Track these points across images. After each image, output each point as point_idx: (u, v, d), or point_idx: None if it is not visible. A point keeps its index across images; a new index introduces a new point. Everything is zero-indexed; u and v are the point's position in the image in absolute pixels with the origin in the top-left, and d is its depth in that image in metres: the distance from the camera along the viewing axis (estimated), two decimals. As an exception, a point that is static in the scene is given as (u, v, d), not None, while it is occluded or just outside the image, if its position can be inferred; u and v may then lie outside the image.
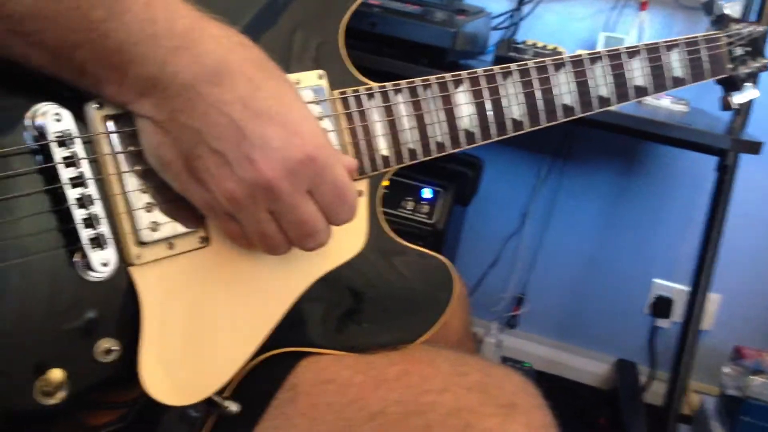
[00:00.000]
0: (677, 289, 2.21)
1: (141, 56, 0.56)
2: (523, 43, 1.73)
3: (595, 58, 0.91)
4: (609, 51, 0.92)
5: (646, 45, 0.94)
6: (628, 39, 1.89)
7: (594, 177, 2.19)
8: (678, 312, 2.19)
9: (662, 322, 2.25)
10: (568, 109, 0.90)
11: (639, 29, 1.96)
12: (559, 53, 1.72)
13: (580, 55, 0.91)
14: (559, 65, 0.89)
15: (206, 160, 0.59)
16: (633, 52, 0.93)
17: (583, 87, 0.91)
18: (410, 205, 1.76)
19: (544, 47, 1.72)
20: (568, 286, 2.32)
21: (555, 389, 2.43)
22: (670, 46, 0.96)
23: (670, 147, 1.99)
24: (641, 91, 0.95)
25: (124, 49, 0.55)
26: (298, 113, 0.62)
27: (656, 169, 2.14)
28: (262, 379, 0.74)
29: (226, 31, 0.60)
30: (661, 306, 2.23)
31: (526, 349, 2.39)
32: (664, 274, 2.22)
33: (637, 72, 0.94)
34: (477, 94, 0.84)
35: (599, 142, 2.15)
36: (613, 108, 0.94)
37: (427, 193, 1.77)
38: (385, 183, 0.82)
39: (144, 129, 0.61)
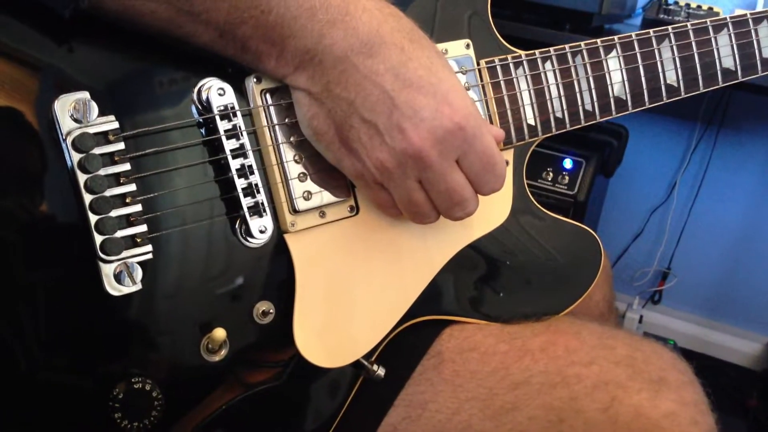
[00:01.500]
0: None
1: (299, 29, 0.59)
2: (675, 3, 1.65)
3: (760, 18, 0.86)
4: None
5: None
6: (793, -4, 1.75)
7: (750, 146, 2.06)
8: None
9: (822, 301, 2.11)
10: (729, 73, 0.86)
11: (806, -15, 1.81)
12: (716, 14, 1.62)
13: (744, 15, 0.86)
14: (720, 26, 0.85)
15: (358, 130, 0.61)
16: None
17: (746, 49, 0.86)
18: (551, 176, 1.73)
19: (698, 7, 1.62)
20: (718, 260, 2.20)
21: (701, 368, 2.33)
22: None
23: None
24: None
25: (284, 24, 0.58)
26: (448, 83, 0.63)
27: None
28: (407, 345, 0.76)
29: (378, 3, 0.62)
30: (821, 283, 2.08)
31: (671, 326, 2.30)
32: (826, 249, 2.08)
33: None
34: (629, 60, 0.81)
35: (757, 108, 2.01)
36: (775, 70, 0.89)
37: (568, 163, 1.73)
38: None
39: (300, 101, 0.64)
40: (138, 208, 0.59)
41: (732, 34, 0.86)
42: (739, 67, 0.87)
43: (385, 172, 0.63)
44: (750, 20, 0.87)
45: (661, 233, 2.21)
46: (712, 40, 0.85)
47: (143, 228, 0.59)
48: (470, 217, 0.71)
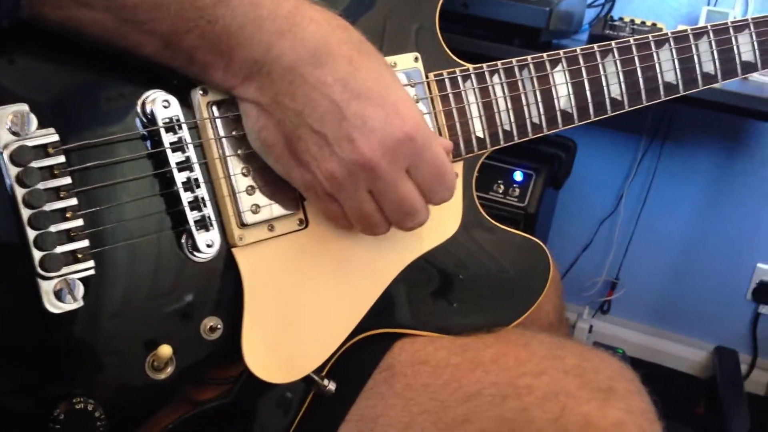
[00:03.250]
0: (783, 274, 2.11)
1: (246, 40, 0.58)
2: (620, 19, 1.68)
3: (700, 33, 0.88)
4: (714, 26, 0.89)
5: (754, 19, 0.90)
6: (732, 13, 1.80)
7: (694, 158, 2.11)
8: (783, 298, 2.10)
9: (766, 309, 2.16)
10: (670, 87, 0.88)
11: (744, 2, 1.87)
12: (659, 29, 1.66)
13: (684, 30, 0.88)
14: (661, 41, 0.86)
15: (307, 142, 0.61)
16: (741, 26, 0.89)
17: (687, 63, 0.88)
18: (501, 188, 1.75)
19: (642, 23, 1.66)
20: (665, 270, 2.25)
21: (649, 376, 2.36)
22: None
23: (777, 126, 1.90)
24: (750, 67, 0.92)
25: (230, 34, 0.58)
26: (396, 94, 0.63)
27: (762, 150, 2.04)
28: (357, 359, 0.75)
29: (326, 15, 0.62)
30: (765, 292, 2.13)
31: (620, 335, 2.34)
32: (769, 258, 2.13)
33: (746, 47, 0.90)
34: (575, 74, 0.82)
35: (700, 121, 2.06)
36: (716, 85, 0.91)
37: (518, 176, 1.75)
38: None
39: (248, 113, 0.63)
40: (79, 222, 0.57)
41: (673, 49, 0.87)
42: (680, 81, 0.88)
43: (336, 183, 0.63)
44: (690, 35, 0.88)
45: (609, 244, 2.25)
46: (654, 54, 0.86)
47: (85, 243, 0.57)
48: (420, 229, 0.71)
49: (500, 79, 0.79)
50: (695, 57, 0.89)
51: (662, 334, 2.32)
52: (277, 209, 0.67)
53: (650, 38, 0.86)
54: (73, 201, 0.57)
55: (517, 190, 1.75)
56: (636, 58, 0.85)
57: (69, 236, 0.56)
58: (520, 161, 1.76)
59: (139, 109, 0.61)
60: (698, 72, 0.89)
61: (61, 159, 0.56)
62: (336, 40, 0.61)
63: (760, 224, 2.10)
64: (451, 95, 0.77)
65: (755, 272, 2.15)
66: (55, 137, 0.56)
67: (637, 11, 1.94)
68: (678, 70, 0.88)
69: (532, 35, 1.55)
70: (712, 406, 2.03)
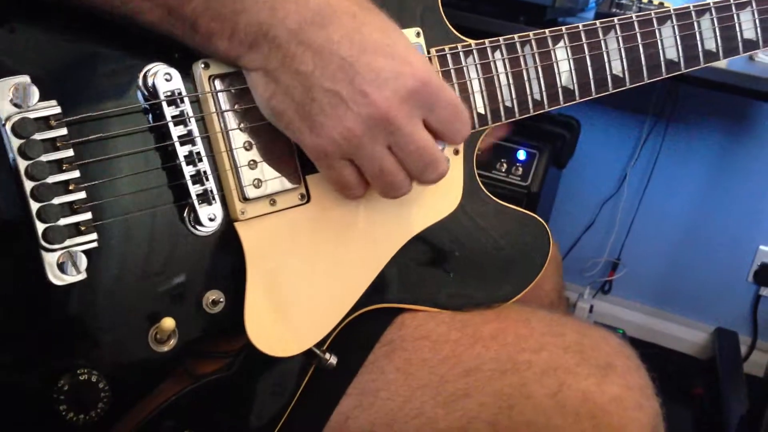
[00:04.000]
0: (785, 257, 2.12)
1: (251, 3, 0.58)
2: (627, -2, 1.67)
3: (702, 10, 0.88)
4: (717, 3, 0.88)
5: None
6: (739, -7, 1.78)
7: (698, 138, 2.11)
8: (785, 281, 2.10)
9: (767, 291, 2.17)
10: (672, 64, 0.87)
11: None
12: (666, 8, 1.64)
13: (687, 7, 0.87)
14: (664, 18, 0.86)
15: (321, 102, 0.60)
16: (743, 3, 0.88)
17: (689, 40, 0.87)
18: (504, 167, 1.74)
19: (649, 2, 1.65)
20: (667, 251, 2.25)
21: (648, 356, 2.36)
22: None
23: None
24: (751, 45, 0.91)
25: None
26: (404, 44, 0.63)
27: (766, 131, 2.03)
28: (359, 333, 0.76)
29: None
30: (766, 274, 2.14)
31: (620, 315, 2.35)
32: (771, 241, 2.13)
33: (748, 24, 0.90)
34: (577, 50, 0.82)
35: (705, 102, 2.05)
36: (722, 66, 0.90)
37: (521, 154, 1.75)
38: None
39: (255, 82, 0.62)
40: (82, 195, 0.57)
41: (675, 26, 0.86)
42: (682, 59, 0.87)
43: (354, 141, 0.62)
44: (693, 12, 0.88)
45: (611, 224, 2.25)
46: (656, 31, 0.85)
47: (88, 216, 0.57)
48: (420, 205, 0.72)
49: (502, 55, 0.78)
50: (697, 34, 0.88)
51: (663, 315, 2.32)
52: (278, 184, 0.67)
53: (653, 14, 0.85)
54: (76, 174, 0.57)
55: (520, 169, 1.75)
56: (638, 35, 0.85)
57: (72, 209, 0.56)
58: (524, 140, 1.76)
59: (140, 82, 0.61)
60: (700, 49, 0.88)
61: (64, 131, 0.56)
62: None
63: (763, 207, 2.10)
64: (452, 71, 0.76)
65: (757, 254, 2.15)
66: (58, 109, 0.56)
67: (644, -11, 1.93)
68: (680, 47, 0.87)
69: (538, 13, 1.55)
70: (711, 387, 2.03)
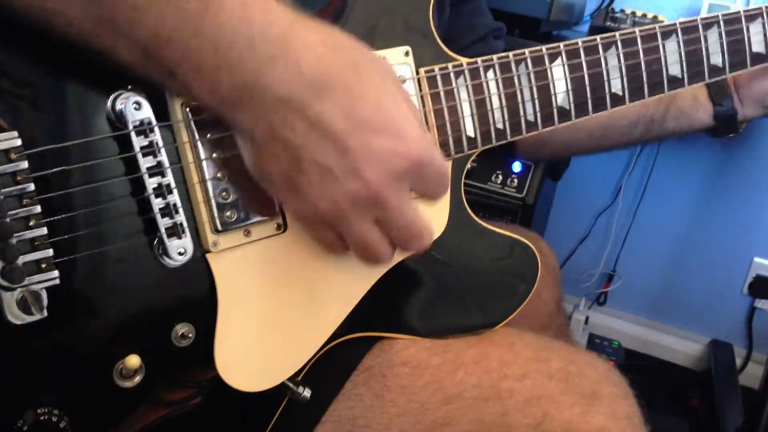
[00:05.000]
0: (780, 269, 2.10)
1: (236, 61, 0.53)
2: (621, 11, 1.67)
3: (710, 23, 0.84)
4: (726, 15, 0.85)
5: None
6: (734, 6, 1.77)
7: (693, 149, 2.09)
8: (780, 293, 2.09)
9: (762, 303, 2.15)
10: (675, 81, 0.84)
11: (748, -6, 1.84)
12: (660, 22, 1.63)
13: (693, 20, 0.84)
14: (668, 32, 0.82)
15: (309, 174, 0.57)
16: (754, 16, 0.86)
17: (694, 56, 0.84)
18: (500, 178, 1.73)
19: (643, 16, 1.64)
20: (662, 263, 2.24)
21: (644, 368, 2.40)
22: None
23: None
24: (759, 59, 0.88)
25: (218, 51, 0.53)
26: (398, 113, 0.60)
27: (761, 143, 2.02)
28: (335, 362, 0.74)
29: (321, 35, 0.57)
30: (762, 286, 2.13)
31: (616, 327, 2.34)
32: (766, 252, 2.11)
33: (758, 37, 0.87)
34: (575, 68, 0.79)
35: (700, 114, 2.04)
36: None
37: (517, 166, 1.73)
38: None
39: (243, 143, 0.60)
40: (43, 231, 0.55)
41: (681, 41, 0.83)
42: (686, 75, 0.84)
43: (339, 214, 0.60)
44: (700, 26, 0.84)
45: (606, 236, 2.24)
46: (660, 46, 0.82)
47: (48, 253, 0.55)
48: None
49: (495, 74, 0.75)
50: (703, 49, 0.84)
51: (658, 327, 2.32)
52: (254, 214, 0.65)
53: (657, 29, 0.82)
54: (37, 209, 0.55)
55: (516, 181, 1.73)
56: (641, 51, 0.81)
57: (32, 245, 0.55)
58: (519, 152, 1.74)
59: (108, 110, 0.58)
60: (705, 64, 0.85)
61: (24, 165, 0.54)
62: (333, 66, 0.57)
63: (758, 219, 2.09)
64: (442, 93, 0.73)
65: (752, 266, 2.14)
66: (18, 141, 0.54)
67: (639, 3, 1.91)
68: (684, 63, 0.84)
69: (533, 26, 1.54)
70: (707, 399, 2.02)
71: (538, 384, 0.75)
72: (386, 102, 0.59)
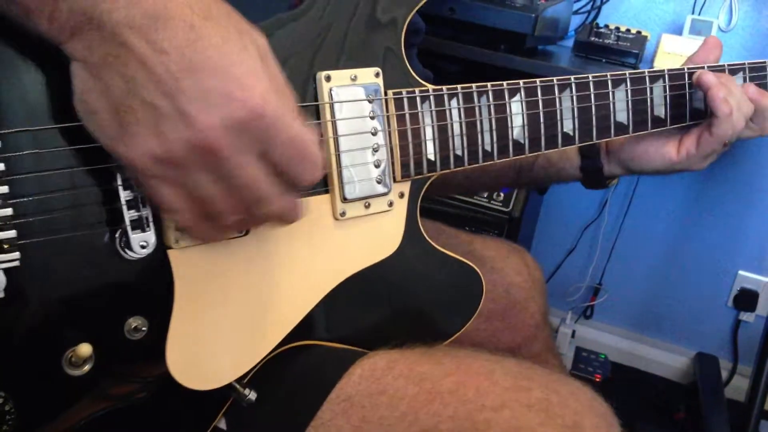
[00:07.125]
0: (764, 281, 2.13)
1: None
2: (606, 27, 1.69)
3: (656, 77, 0.90)
4: (670, 71, 0.91)
5: (711, 67, 0.94)
6: (716, 23, 1.81)
7: (677, 165, 2.12)
8: (764, 305, 2.12)
9: (746, 316, 2.17)
10: (621, 127, 0.89)
11: (728, 11, 1.88)
12: (644, 38, 1.67)
13: (642, 72, 0.90)
14: (619, 81, 0.88)
15: (137, 113, 0.52)
16: (690, 73, 0.93)
17: (639, 105, 0.90)
18: (486, 193, 1.75)
19: (627, 31, 1.67)
20: (647, 276, 2.26)
21: (630, 381, 2.40)
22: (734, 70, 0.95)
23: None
24: (698, 114, 0.95)
25: None
26: (245, 66, 0.54)
27: (745, 155, 2.05)
28: (282, 369, 0.73)
29: None
30: (746, 299, 2.15)
31: (602, 340, 2.35)
32: (750, 265, 2.14)
33: (697, 95, 0.93)
34: (531, 105, 0.82)
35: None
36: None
37: (503, 180, 1.75)
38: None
39: (74, 73, 0.54)
40: (8, 211, 0.54)
41: (629, 90, 0.88)
42: (631, 122, 0.89)
43: (169, 163, 0.54)
44: (647, 78, 0.90)
45: (592, 250, 2.26)
46: (610, 93, 0.87)
47: (12, 234, 0.54)
48: (359, 246, 0.70)
49: (458, 103, 0.78)
50: (648, 100, 0.90)
51: (644, 340, 2.33)
52: None
53: (608, 76, 0.87)
54: (5, 188, 0.54)
55: (502, 195, 1.75)
56: (592, 96, 0.86)
57: None
58: (505, 166, 1.76)
59: None
60: (649, 114, 0.91)
61: None
62: (178, 3, 0.52)
63: (743, 232, 2.11)
64: (407, 115, 0.76)
65: (736, 279, 2.16)
66: None
67: (623, 19, 1.95)
68: (630, 111, 0.89)
69: (518, 41, 1.56)
70: (693, 412, 2.03)
71: (516, 414, 0.71)
72: (233, 51, 0.54)
